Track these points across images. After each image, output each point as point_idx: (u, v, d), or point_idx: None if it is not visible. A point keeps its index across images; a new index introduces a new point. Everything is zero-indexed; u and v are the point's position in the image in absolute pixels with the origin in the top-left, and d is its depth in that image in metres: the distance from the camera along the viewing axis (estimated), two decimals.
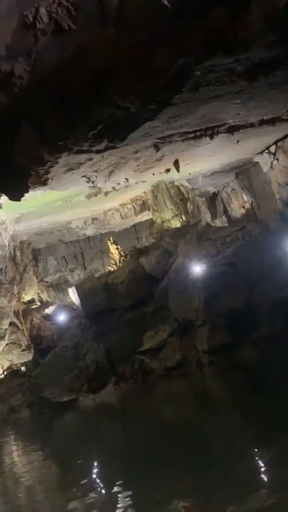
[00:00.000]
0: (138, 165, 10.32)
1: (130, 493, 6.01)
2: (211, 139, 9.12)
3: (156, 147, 8.90)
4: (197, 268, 14.31)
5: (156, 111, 6.77)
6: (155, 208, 23.89)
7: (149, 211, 24.80)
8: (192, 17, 4.77)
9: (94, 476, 7.52)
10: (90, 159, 9.49)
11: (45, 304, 26.63)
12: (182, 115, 7.40)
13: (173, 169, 12.26)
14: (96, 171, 10.57)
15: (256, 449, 6.38)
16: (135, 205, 25.43)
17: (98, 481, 7.27)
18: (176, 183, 21.66)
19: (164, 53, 5.42)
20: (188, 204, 22.40)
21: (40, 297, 28.09)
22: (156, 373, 13.66)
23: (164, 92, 6.14)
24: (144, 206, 25.11)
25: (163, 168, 11.28)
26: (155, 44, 5.41)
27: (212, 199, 22.25)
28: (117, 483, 6.44)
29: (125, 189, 21.05)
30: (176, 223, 22.39)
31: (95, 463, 8.20)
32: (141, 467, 6.91)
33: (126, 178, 11.89)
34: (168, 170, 11.49)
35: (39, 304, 27.14)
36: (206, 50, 5.29)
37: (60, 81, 7.50)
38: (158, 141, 8.54)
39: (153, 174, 11.67)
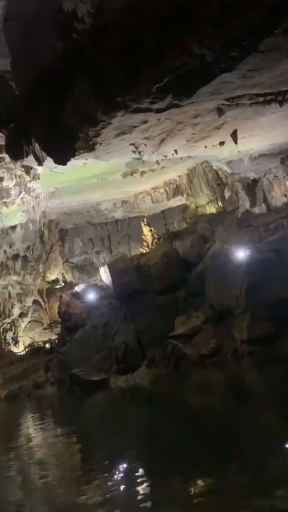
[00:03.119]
0: (193, 134, 9.59)
1: (148, 486, 5.36)
2: (280, 106, 8.29)
3: (220, 111, 8.13)
4: (240, 254, 13.49)
5: (237, 60, 6.00)
6: (190, 193, 23.04)
7: (182, 196, 23.96)
8: None
9: (114, 464, 6.83)
10: (145, 122, 8.79)
11: (69, 285, 26.34)
12: (261, 69, 6.62)
13: (225, 144, 11.47)
14: (147, 138, 9.88)
15: None
16: (168, 189, 24.64)
17: (117, 471, 6.57)
18: (214, 167, 20.80)
19: None
20: (226, 190, 21.50)
21: (64, 278, 27.85)
22: (190, 359, 13.02)
23: (255, 33, 5.36)
24: (177, 190, 24.28)
25: (218, 139, 10.52)
26: None
27: (251, 186, 21.33)
28: (136, 474, 5.81)
29: (160, 171, 20.36)
30: (211, 209, 21.52)
31: (118, 451, 7.51)
32: (166, 457, 6.27)
33: (175, 150, 11.15)
34: (222, 143, 10.70)
35: (63, 284, 26.90)
36: None
37: (127, 25, 6.74)
38: (225, 102, 7.78)
39: (206, 147, 10.88)
